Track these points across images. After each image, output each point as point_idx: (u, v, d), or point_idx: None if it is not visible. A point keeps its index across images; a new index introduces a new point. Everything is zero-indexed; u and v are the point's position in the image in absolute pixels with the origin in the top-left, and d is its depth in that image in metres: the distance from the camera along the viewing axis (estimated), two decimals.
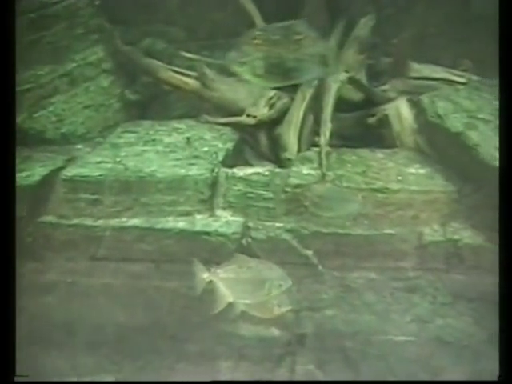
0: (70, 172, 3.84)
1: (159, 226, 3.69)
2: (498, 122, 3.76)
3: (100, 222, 3.71)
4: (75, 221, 3.73)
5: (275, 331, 3.56)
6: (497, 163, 3.40)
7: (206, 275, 3.12)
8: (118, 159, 3.95)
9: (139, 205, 3.75)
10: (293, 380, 3.38)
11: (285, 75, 2.86)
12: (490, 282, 3.50)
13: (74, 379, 3.01)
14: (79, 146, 4.28)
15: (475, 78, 4.46)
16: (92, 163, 3.92)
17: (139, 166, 3.86)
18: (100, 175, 3.79)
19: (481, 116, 3.85)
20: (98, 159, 3.96)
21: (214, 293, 3.11)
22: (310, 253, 3.64)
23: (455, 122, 3.82)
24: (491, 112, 3.86)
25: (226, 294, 3.10)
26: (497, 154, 3.45)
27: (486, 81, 4.33)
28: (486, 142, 3.59)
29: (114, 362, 3.01)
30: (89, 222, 3.72)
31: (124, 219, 3.72)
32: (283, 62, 2.83)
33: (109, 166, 3.88)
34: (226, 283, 3.11)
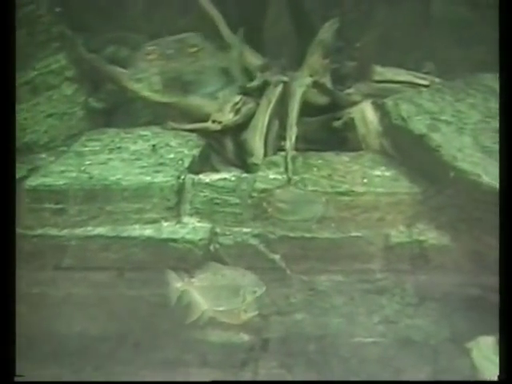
0: (34, 182, 3.78)
1: (125, 235, 3.66)
2: (459, 124, 3.83)
3: (65, 232, 3.67)
4: (40, 231, 3.68)
5: (244, 336, 3.56)
6: (458, 164, 3.45)
7: (179, 284, 3.11)
8: (82, 168, 3.91)
9: (105, 213, 3.71)
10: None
11: (184, 89, 2.86)
12: (455, 281, 3.56)
13: None
14: (43, 155, 4.22)
15: (437, 80, 4.52)
16: (56, 172, 3.87)
17: (104, 175, 3.82)
18: (64, 184, 3.75)
19: (443, 118, 3.89)
20: (62, 168, 3.92)
21: (188, 302, 3.10)
22: (277, 257, 3.65)
23: (418, 124, 3.85)
24: (453, 114, 3.92)
25: (201, 302, 3.09)
26: (458, 155, 3.51)
27: (447, 83, 4.38)
28: (448, 144, 3.64)
29: (75, 371, 2.98)
30: (54, 231, 3.68)
31: (89, 228, 3.68)
32: (181, 75, 2.82)
33: (73, 174, 3.84)
34: (201, 292, 3.10)
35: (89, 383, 3.22)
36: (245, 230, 3.70)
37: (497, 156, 3.46)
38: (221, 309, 3.13)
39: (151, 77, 2.85)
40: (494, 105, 3.93)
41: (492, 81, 4.16)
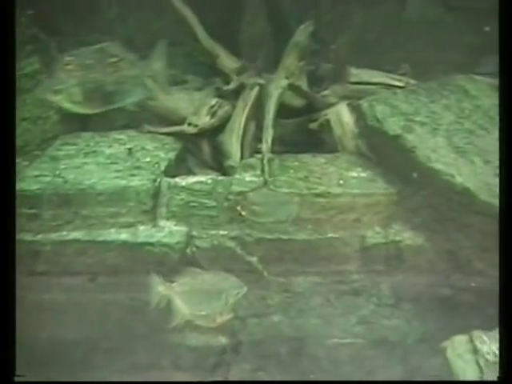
0: None
1: (101, 239, 3.63)
2: (433, 125, 3.85)
3: (39, 237, 3.63)
4: None
5: (222, 339, 3.56)
6: (432, 164, 3.48)
7: (161, 289, 3.09)
8: (57, 172, 3.87)
9: (80, 218, 3.68)
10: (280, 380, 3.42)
11: (105, 100, 2.82)
12: (430, 281, 3.58)
13: None
14: (17, 160, 4.18)
15: (412, 81, 4.54)
16: (30, 177, 3.83)
17: (79, 179, 3.79)
18: (38, 189, 3.71)
19: (417, 119, 3.91)
20: (37, 173, 3.88)
21: (168, 307, 3.09)
22: (254, 259, 3.64)
23: (393, 126, 3.87)
24: (427, 114, 3.94)
25: (182, 307, 3.08)
26: (432, 156, 3.54)
27: (422, 84, 4.40)
28: (423, 144, 3.66)
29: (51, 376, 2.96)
30: (28, 236, 3.63)
31: (64, 233, 3.65)
32: (101, 86, 2.79)
33: (48, 179, 3.80)
34: (182, 297, 3.08)
35: (89, 383, 3.22)
36: (221, 232, 3.70)
37: (470, 156, 3.51)
38: (203, 313, 3.13)
39: (70, 88, 2.81)
40: (467, 105, 3.98)
41: (465, 82, 4.21)
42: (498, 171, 3.27)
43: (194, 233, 3.71)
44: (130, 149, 4.16)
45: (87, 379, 2.97)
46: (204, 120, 4.36)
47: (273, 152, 4.05)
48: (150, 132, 4.39)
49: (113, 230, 3.68)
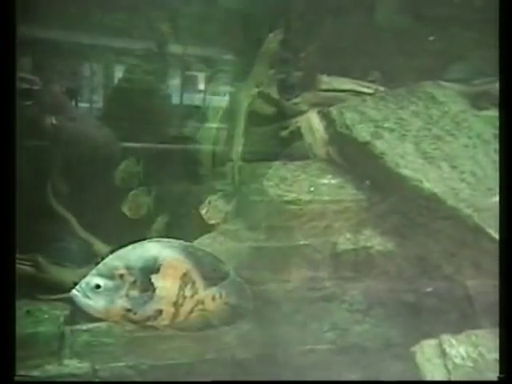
0: None
1: None
2: (402, 131, 3.89)
3: None
4: None
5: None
6: (401, 170, 3.52)
7: None
8: None
9: None
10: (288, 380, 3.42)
11: None
12: (401, 286, 3.61)
13: None
14: None
15: (381, 88, 4.58)
16: None
17: None
18: None
19: (386, 125, 3.94)
20: None
21: None
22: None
23: (362, 132, 3.90)
24: (396, 121, 3.97)
25: None
26: (401, 162, 3.57)
27: (391, 91, 4.44)
28: (391, 151, 3.69)
29: None
30: None
31: None
32: None
33: None
34: None
35: (89, 383, 3.20)
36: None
37: (437, 162, 3.55)
38: None
39: None
40: (435, 112, 4.02)
41: (433, 88, 4.24)
42: (463, 176, 3.33)
43: None
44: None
45: None
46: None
47: (244, 160, 4.05)
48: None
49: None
